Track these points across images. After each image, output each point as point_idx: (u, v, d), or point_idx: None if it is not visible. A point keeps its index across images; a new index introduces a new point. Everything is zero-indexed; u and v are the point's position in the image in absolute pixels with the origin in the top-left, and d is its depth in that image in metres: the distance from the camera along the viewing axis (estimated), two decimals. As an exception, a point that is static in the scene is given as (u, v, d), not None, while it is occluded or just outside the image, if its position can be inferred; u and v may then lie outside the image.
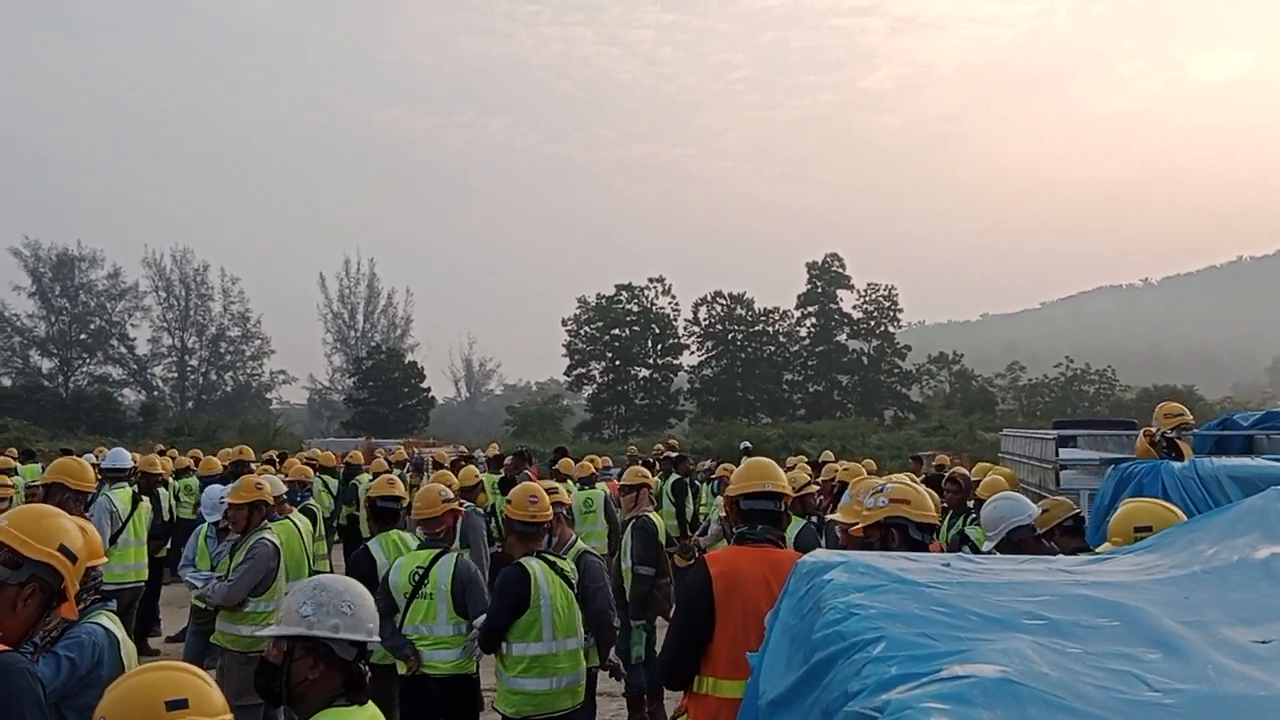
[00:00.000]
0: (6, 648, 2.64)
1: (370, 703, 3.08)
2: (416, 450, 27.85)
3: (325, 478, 14.23)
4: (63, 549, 2.91)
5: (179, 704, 1.78)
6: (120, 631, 3.49)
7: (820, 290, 64.91)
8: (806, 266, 65.71)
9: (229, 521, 7.16)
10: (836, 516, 5.02)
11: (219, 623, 7.04)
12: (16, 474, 13.24)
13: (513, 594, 5.67)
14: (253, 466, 13.24)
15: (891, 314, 65.29)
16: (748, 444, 29.81)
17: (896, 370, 64.39)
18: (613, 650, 6.45)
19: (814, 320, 65.40)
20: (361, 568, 6.61)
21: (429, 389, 66.88)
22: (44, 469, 15.68)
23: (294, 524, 7.91)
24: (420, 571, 6.09)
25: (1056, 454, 9.68)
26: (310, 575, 7.70)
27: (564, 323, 65.45)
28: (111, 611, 3.48)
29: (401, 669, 6.01)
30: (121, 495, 9.32)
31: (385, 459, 16.45)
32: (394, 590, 6.10)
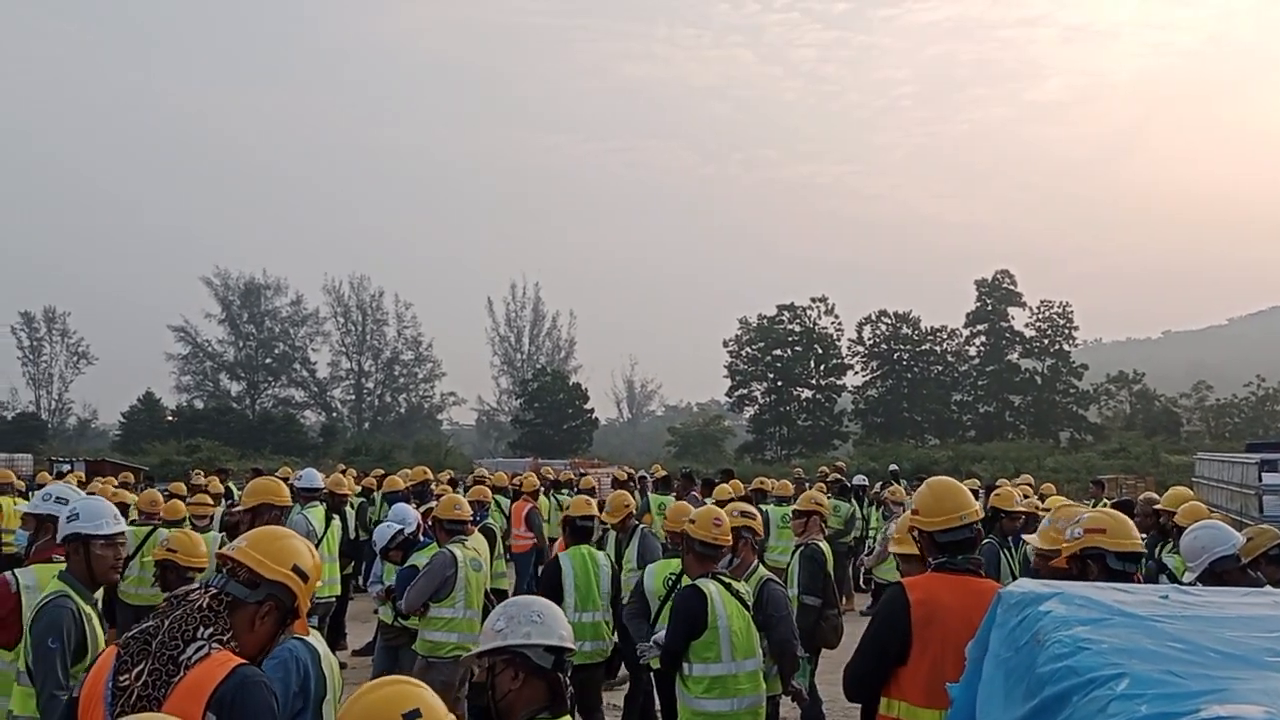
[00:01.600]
0: (243, 662, 2.79)
1: (568, 718, 3.14)
2: (582, 471, 28.24)
3: (499, 498, 14.57)
4: (295, 569, 3.04)
5: (413, 714, 1.86)
6: (321, 645, 3.64)
7: (990, 308, 63.04)
8: (976, 284, 64.00)
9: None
10: (1035, 541, 4.84)
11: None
12: (232, 498, 13.84)
13: (690, 616, 5.68)
14: (432, 487, 13.69)
15: (1066, 332, 62.81)
16: (895, 467, 29.12)
17: (1072, 390, 61.89)
18: (795, 677, 6.41)
19: (984, 339, 63.53)
20: (551, 577, 7.31)
21: (592, 410, 67.94)
22: (232, 488, 16.55)
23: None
24: (674, 577, 6.62)
25: (1260, 479, 9.13)
26: (490, 592, 7.94)
27: (725, 343, 65.50)
28: (312, 627, 3.64)
29: (654, 663, 6.36)
30: (315, 514, 9.75)
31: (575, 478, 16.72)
32: (649, 595, 6.85)
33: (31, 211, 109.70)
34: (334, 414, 77.79)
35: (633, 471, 19.75)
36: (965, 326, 64.07)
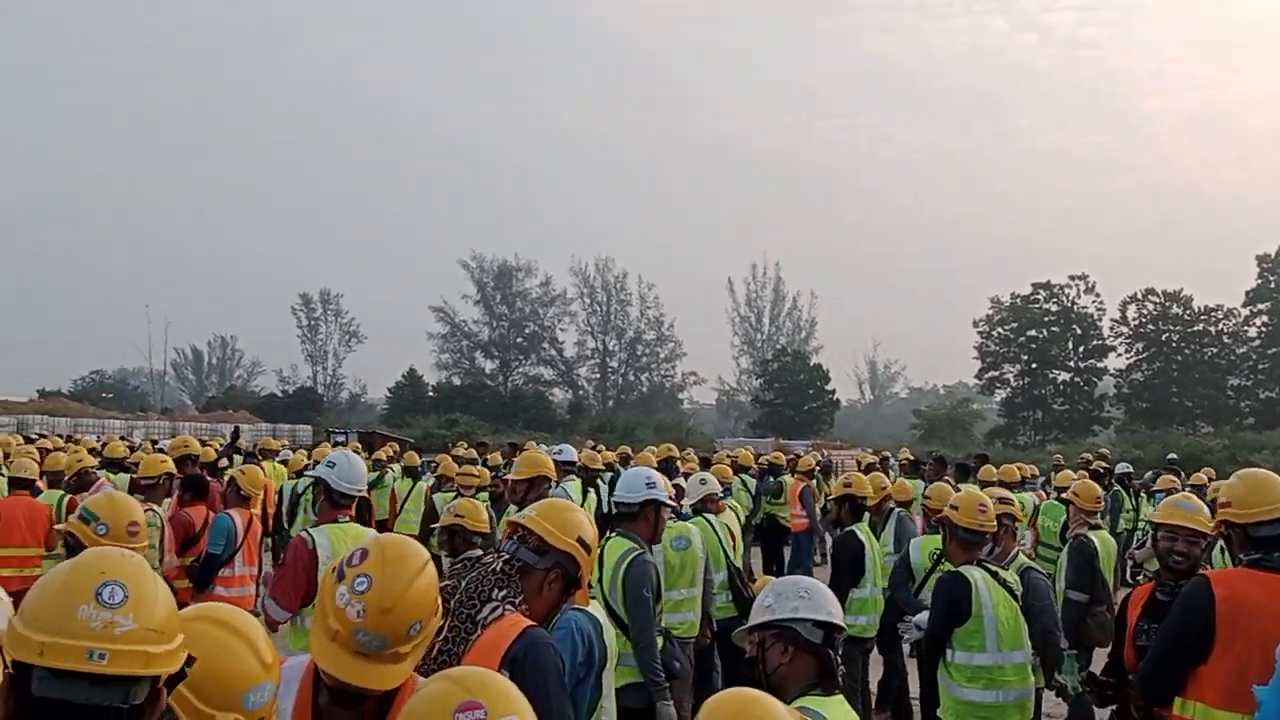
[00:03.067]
0: (533, 624, 2.91)
1: (840, 695, 3.12)
2: (825, 452, 27.96)
3: (744, 477, 14.61)
4: (580, 540, 3.16)
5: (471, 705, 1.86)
6: (602, 615, 3.73)
7: (1273, 285, 57.95)
8: (1256, 260, 59.04)
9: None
10: None
11: None
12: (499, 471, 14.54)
13: (952, 601, 5.53)
14: (678, 464, 13.89)
15: (1364, 310, 56.98)
16: (1173, 456, 27.18)
17: (1369, 375, 56.13)
18: (1059, 671, 6.13)
19: (1265, 319, 58.49)
20: (852, 549, 7.57)
21: (833, 391, 67.17)
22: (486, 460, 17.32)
23: (708, 521, 8.11)
24: (938, 553, 6.77)
25: None
26: (730, 568, 7.94)
27: (975, 324, 63.20)
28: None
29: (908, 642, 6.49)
30: (573, 487, 10.07)
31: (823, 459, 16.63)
32: (915, 568, 7.30)
33: (309, 202, 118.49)
34: (580, 391, 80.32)
35: (886, 454, 19.38)
36: (1244, 305, 59.26)
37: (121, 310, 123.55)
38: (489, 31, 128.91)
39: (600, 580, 5.50)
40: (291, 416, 56.41)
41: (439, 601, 2.39)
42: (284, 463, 15.96)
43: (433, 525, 11.13)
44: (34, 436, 23.51)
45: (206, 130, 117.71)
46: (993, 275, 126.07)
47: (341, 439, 28.99)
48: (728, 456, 15.50)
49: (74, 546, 4.08)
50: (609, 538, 5.60)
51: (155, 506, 8.13)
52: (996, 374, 62.57)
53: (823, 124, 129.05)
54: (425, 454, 21.84)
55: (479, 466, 13.67)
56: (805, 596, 3.16)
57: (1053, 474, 16.40)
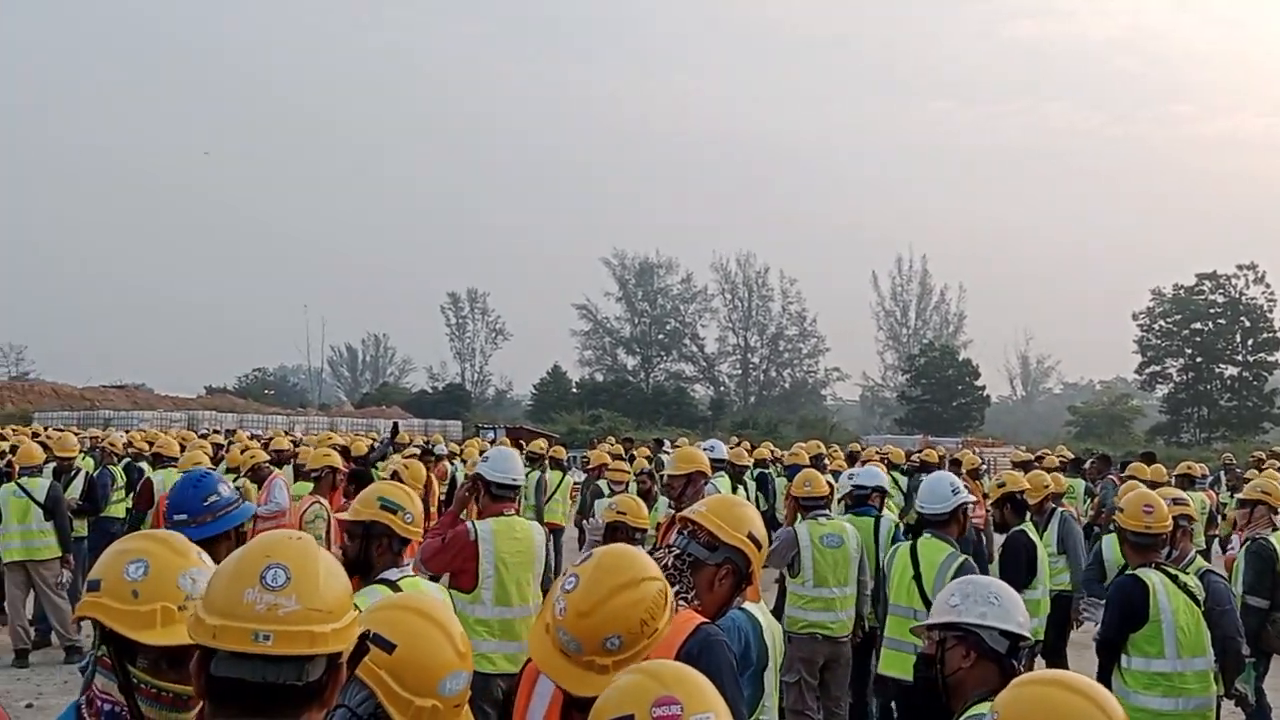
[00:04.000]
0: (707, 620, 2.90)
1: None
2: (977, 450, 27.25)
3: (894, 474, 14.35)
4: (750, 536, 3.14)
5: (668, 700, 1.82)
6: (765, 617, 3.70)
7: None
8: None
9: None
10: None
11: None
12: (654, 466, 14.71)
13: (1127, 605, 5.33)
14: (825, 461, 13.74)
15: None
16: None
17: None
18: (1239, 679, 5.84)
19: None
20: (1024, 548, 7.35)
21: (983, 387, 65.41)
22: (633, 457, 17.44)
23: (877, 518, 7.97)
24: None
25: None
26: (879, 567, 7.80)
27: (1134, 316, 60.61)
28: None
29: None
30: (722, 483, 10.06)
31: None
32: (1109, 566, 7.36)
33: (462, 202, 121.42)
34: (721, 388, 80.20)
35: (1042, 451, 18.74)
36: None
37: (282, 310, 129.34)
38: (628, 27, 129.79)
39: (917, 578, 5.89)
40: (441, 412, 57.97)
41: (650, 621, 2.33)
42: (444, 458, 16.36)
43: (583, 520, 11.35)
44: (204, 431, 24.78)
45: (363, 134, 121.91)
46: (1153, 266, 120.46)
47: (491, 435, 29.65)
48: (877, 454, 15.24)
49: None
50: (922, 538, 6.07)
51: (321, 499, 8.47)
52: (1158, 369, 59.88)
53: (972, 111, 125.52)
54: (570, 449, 22.19)
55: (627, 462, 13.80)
56: (994, 603, 3.08)
57: (1222, 473, 15.62)
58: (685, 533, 3.18)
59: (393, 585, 3.85)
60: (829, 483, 7.89)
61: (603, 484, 13.29)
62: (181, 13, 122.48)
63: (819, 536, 7.01)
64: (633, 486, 10.98)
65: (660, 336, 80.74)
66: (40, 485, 9.46)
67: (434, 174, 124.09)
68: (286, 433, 23.96)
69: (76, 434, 17.07)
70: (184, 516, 3.39)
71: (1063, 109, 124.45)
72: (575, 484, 14.89)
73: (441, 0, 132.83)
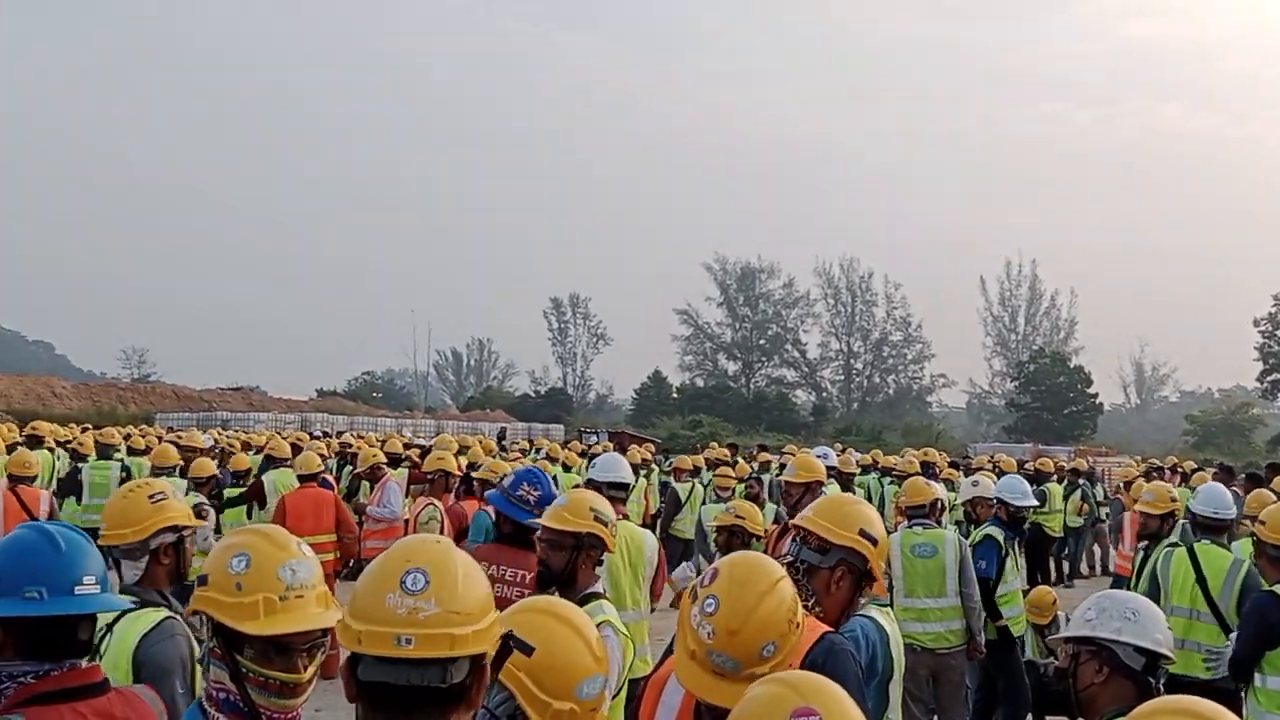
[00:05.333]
0: (831, 629, 2.88)
1: None
2: (1090, 459, 26.45)
3: (1005, 483, 14.06)
4: (863, 533, 3.11)
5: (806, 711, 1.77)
6: (890, 626, 3.64)
7: None
8: None
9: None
10: None
11: None
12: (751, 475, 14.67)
13: (1263, 623, 5.11)
14: (935, 469, 13.49)
15: None
16: None
17: None
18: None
19: None
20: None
21: (1096, 395, 63.62)
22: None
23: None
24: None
25: None
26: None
27: (1256, 323, 58.18)
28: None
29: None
30: (832, 491, 9.99)
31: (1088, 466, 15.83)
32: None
33: (564, 208, 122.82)
34: (824, 394, 79.47)
35: (1156, 462, 18.15)
36: None
37: (389, 315, 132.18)
38: (729, 33, 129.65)
39: (1200, 581, 5.96)
40: (543, 416, 58.54)
41: (794, 618, 2.35)
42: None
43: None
44: (317, 434, 25.43)
45: (470, 143, 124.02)
46: (1274, 271, 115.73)
47: (593, 439, 29.80)
48: (988, 461, 14.93)
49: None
50: (1200, 543, 6.11)
51: (435, 500, 8.62)
52: (1281, 377, 57.52)
53: (1084, 113, 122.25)
54: (671, 455, 22.19)
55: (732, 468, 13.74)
56: (1131, 618, 2.99)
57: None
58: (798, 540, 3.16)
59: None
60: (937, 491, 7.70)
61: (682, 489, 13.27)
62: (309, 30, 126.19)
63: (910, 546, 6.89)
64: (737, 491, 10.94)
65: (762, 342, 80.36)
66: (176, 485, 9.82)
67: (537, 180, 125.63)
68: (400, 435, 24.44)
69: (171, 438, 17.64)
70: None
71: (1179, 110, 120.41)
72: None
73: (547, 10, 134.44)
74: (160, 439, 15.61)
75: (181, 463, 10.15)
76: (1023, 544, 14.33)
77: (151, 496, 3.24)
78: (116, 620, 2.95)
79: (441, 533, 8.33)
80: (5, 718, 2.11)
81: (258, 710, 2.13)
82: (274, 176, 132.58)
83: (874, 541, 3.14)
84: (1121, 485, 14.53)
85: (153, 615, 3.02)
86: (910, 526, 7.00)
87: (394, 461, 12.25)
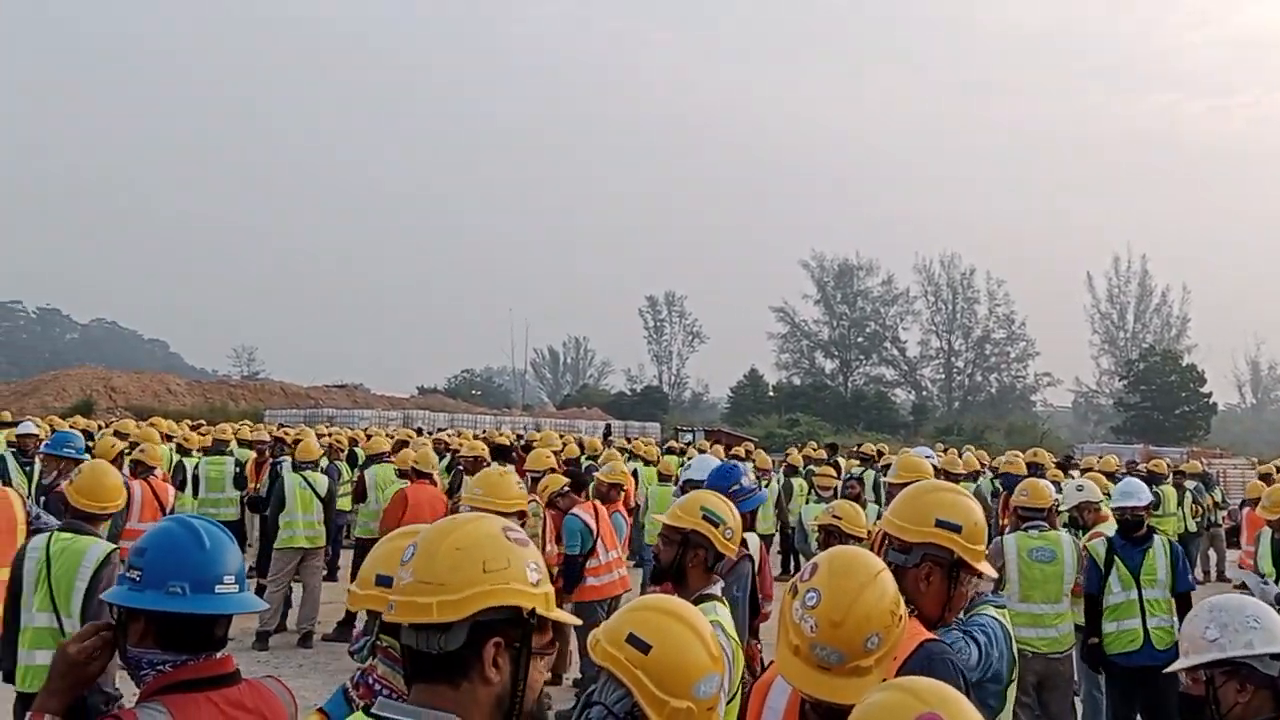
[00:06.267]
0: (931, 635, 2.79)
1: None
2: (1204, 461, 25.59)
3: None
4: (939, 523, 2.97)
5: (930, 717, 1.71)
6: (1008, 622, 3.55)
7: None
8: None
9: None
10: None
11: None
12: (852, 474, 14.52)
13: None
14: (1043, 470, 13.14)
15: None
16: None
17: None
18: None
19: None
20: None
21: (1209, 394, 61.36)
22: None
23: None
24: None
25: None
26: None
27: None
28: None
29: None
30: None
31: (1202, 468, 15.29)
32: None
33: (659, 207, 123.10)
34: (924, 392, 78.21)
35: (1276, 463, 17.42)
36: None
37: (488, 314, 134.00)
38: (828, 31, 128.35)
39: None
40: (639, 414, 58.71)
41: (898, 611, 2.33)
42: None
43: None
44: (421, 430, 25.88)
45: (562, 145, 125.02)
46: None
47: (689, 437, 29.78)
48: (1097, 462, 14.50)
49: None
50: None
51: (537, 497, 8.71)
52: None
53: (1195, 104, 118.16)
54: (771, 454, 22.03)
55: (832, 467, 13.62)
56: (1257, 627, 2.89)
57: None
58: (886, 543, 3.09)
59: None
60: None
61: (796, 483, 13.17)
62: (411, 40, 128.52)
63: (1028, 550, 6.73)
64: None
65: (860, 339, 79.42)
66: (320, 480, 10.22)
67: (632, 179, 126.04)
68: (499, 431, 24.77)
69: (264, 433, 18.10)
70: None
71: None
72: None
73: (643, 8, 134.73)
74: (271, 435, 16.06)
75: (323, 456, 10.59)
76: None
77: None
78: None
79: (544, 529, 8.42)
80: (145, 705, 2.18)
81: None
82: (382, 182, 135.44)
83: (955, 529, 2.98)
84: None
85: None
86: (1025, 530, 6.81)
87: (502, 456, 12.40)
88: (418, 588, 1.69)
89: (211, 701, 2.23)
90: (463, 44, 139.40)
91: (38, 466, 10.40)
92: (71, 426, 15.99)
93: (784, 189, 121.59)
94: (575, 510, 8.35)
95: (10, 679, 4.95)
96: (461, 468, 10.47)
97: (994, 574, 3.41)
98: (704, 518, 3.76)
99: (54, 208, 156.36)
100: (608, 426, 22.36)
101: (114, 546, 4.95)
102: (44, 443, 9.09)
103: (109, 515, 5.15)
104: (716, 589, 3.81)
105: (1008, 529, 7.12)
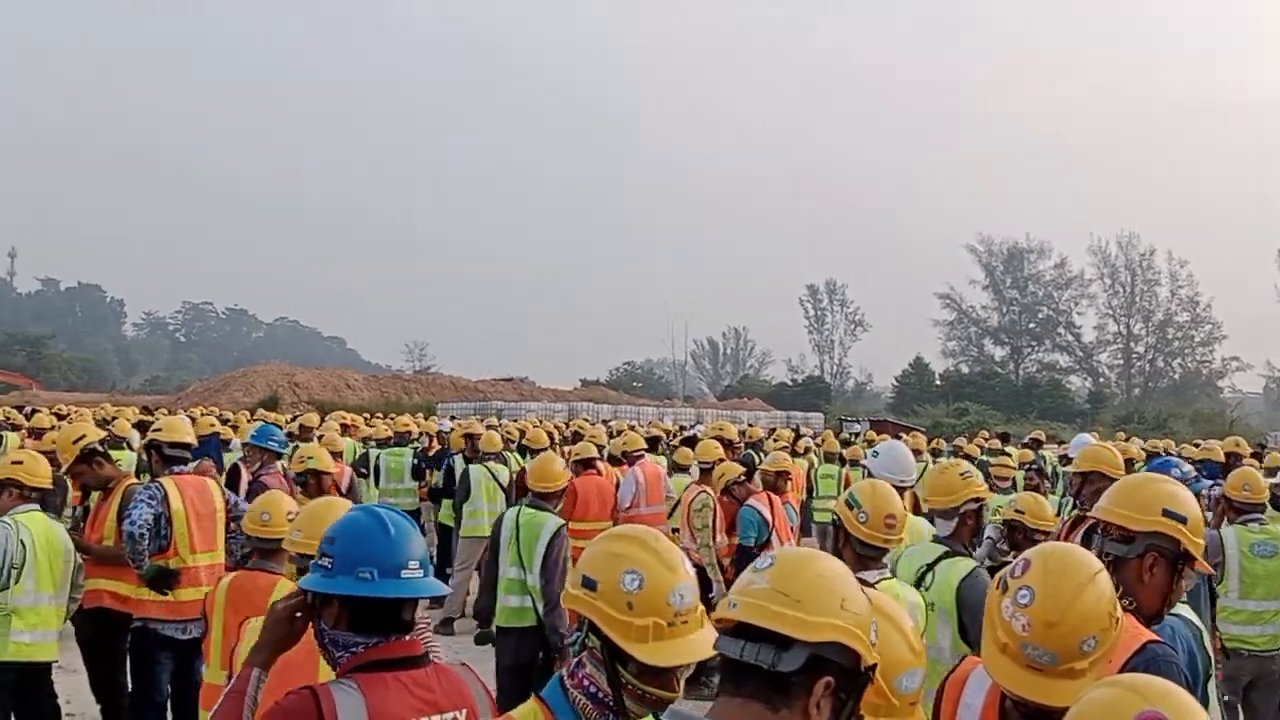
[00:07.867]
0: (1155, 636, 2.67)
1: None
2: None
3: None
4: (1167, 513, 2.87)
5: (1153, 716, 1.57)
6: (1198, 620, 3.40)
7: None
8: None
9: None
10: None
11: None
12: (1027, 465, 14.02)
13: None
14: (1240, 460, 12.39)
15: None
16: None
17: None
18: None
19: None
20: None
21: None
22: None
23: None
24: None
25: None
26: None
27: None
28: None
29: None
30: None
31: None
32: None
33: (818, 193, 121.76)
34: (1100, 379, 75.10)
35: None
36: None
37: (647, 307, 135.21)
38: (985, 14, 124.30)
39: None
40: (801, 404, 58.21)
41: (1115, 612, 2.24)
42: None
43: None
44: (589, 422, 26.25)
45: (717, 134, 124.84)
46: None
47: (856, 428, 29.34)
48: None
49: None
50: None
51: (707, 488, 8.70)
52: None
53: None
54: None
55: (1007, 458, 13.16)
56: None
57: None
58: (1099, 532, 2.97)
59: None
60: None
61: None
62: (551, 41, 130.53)
63: (1250, 544, 6.39)
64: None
65: (1031, 325, 76.81)
66: (502, 471, 10.58)
67: (790, 166, 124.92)
68: (659, 421, 24.94)
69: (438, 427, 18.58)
70: None
71: None
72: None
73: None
74: (439, 425, 16.58)
75: (502, 447, 11.02)
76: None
77: (962, 474, 4.48)
78: (937, 562, 4.28)
79: (714, 520, 8.40)
80: (339, 682, 2.30)
81: (629, 715, 2.17)
82: (542, 179, 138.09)
83: (1183, 520, 2.89)
84: None
85: (965, 564, 4.27)
86: (1244, 523, 6.49)
87: (654, 446, 12.46)
88: (774, 595, 1.64)
89: (400, 681, 2.33)
90: (604, 42, 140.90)
91: (225, 460, 11.00)
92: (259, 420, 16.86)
93: (947, 173, 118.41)
94: (751, 501, 8.26)
95: (487, 622, 6.68)
96: (625, 449, 10.66)
97: (1209, 569, 3.25)
98: (847, 505, 3.89)
99: (239, 210, 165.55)
100: (796, 427, 22.16)
101: (564, 521, 6.35)
102: (250, 434, 9.58)
103: (560, 493, 6.60)
104: (883, 573, 3.88)
105: (1219, 522, 6.77)
